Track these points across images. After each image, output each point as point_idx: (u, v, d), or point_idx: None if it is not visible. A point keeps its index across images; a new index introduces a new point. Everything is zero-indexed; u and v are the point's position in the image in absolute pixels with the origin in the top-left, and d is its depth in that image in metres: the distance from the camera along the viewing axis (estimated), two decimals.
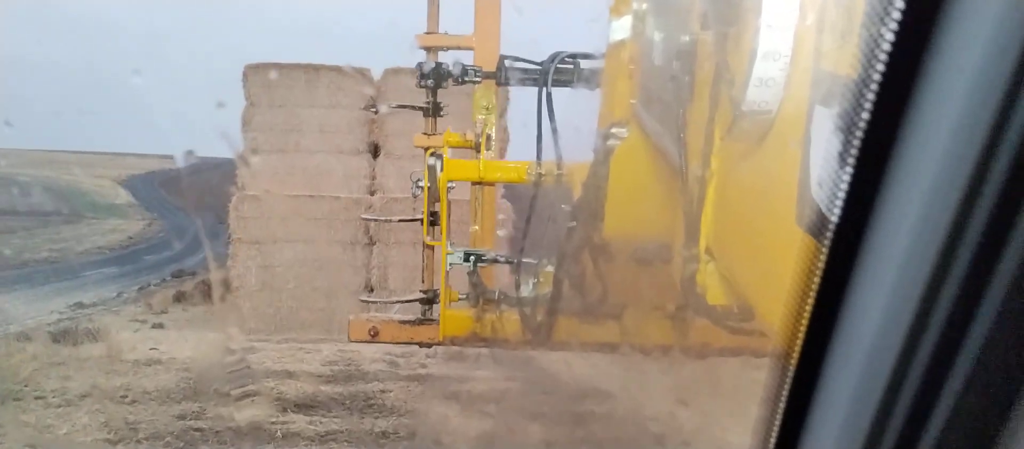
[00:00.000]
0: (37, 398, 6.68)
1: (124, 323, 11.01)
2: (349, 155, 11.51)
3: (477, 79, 3.52)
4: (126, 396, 6.79)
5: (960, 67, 0.68)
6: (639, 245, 2.56)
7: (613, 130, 2.63)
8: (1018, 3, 0.65)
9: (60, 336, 9.02)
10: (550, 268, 3.17)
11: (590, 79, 3.18)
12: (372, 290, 10.84)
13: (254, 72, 11.31)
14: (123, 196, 42.71)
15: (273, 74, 11.29)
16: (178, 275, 16.38)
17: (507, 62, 3.46)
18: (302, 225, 10.84)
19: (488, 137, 3.47)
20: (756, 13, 1.76)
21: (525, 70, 3.49)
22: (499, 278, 3.99)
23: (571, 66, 3.37)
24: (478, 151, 3.46)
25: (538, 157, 3.18)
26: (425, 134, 3.76)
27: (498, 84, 3.56)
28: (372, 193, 11.43)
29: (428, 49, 3.87)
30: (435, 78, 3.51)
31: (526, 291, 3.41)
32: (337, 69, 11.45)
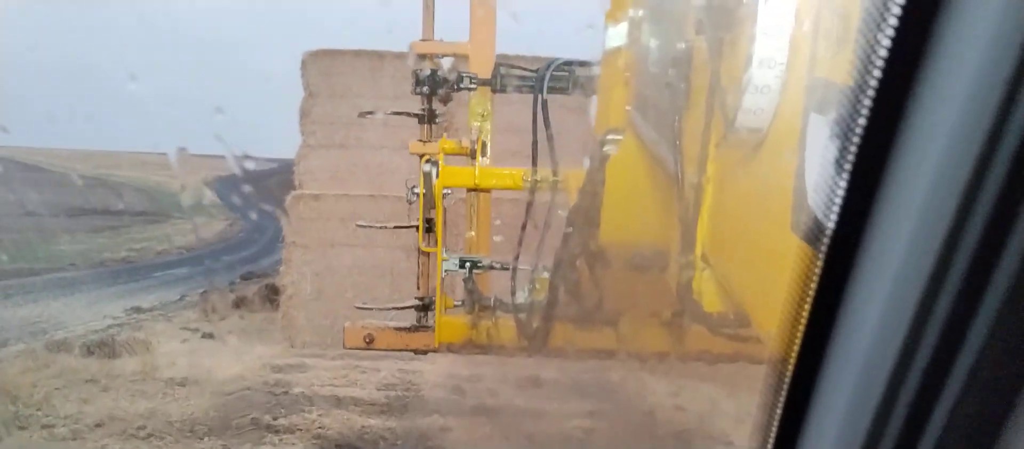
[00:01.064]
0: (45, 427, 5.75)
1: (174, 332, 10.21)
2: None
3: (473, 86, 3.48)
4: (144, 427, 5.77)
5: (957, 70, 0.68)
6: (635, 251, 2.57)
7: (609, 137, 2.60)
8: (1016, 6, 0.65)
9: (96, 347, 8.20)
10: (546, 274, 3.13)
11: (586, 86, 3.09)
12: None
13: (313, 60, 10.33)
14: (209, 196, 43.43)
15: (334, 62, 10.29)
16: (247, 278, 15.75)
17: (502, 69, 3.40)
18: (362, 228, 9.77)
19: (484, 144, 3.42)
20: (751, 20, 1.73)
21: (521, 77, 3.42)
22: (495, 284, 3.85)
23: (567, 73, 3.30)
24: (474, 158, 3.38)
25: (533, 164, 3.15)
26: (421, 141, 3.64)
27: (493, 91, 3.49)
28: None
29: (424, 56, 3.79)
30: (431, 85, 3.47)
31: (522, 297, 3.40)
32: (403, 57, 10.36)
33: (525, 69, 3.39)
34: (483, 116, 3.44)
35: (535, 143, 3.11)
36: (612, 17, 2.74)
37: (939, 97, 0.69)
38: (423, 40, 3.76)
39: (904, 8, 0.68)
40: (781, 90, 1.74)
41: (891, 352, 0.75)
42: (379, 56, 10.39)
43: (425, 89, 3.56)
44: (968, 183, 0.67)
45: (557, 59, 3.28)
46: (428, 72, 3.55)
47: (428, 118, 3.72)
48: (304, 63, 10.31)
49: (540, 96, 3.17)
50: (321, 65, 10.33)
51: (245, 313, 11.80)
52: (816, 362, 0.83)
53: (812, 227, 0.79)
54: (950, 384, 0.73)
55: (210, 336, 9.97)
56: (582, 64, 3.22)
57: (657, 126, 2.33)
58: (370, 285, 9.72)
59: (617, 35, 2.67)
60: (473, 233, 3.97)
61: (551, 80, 3.20)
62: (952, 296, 0.71)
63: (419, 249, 4.05)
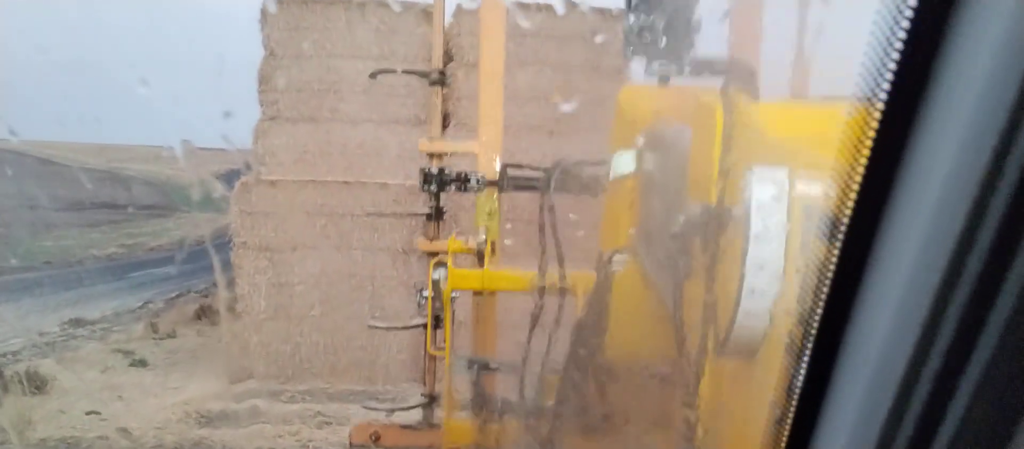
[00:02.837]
0: None
1: (100, 356, 8.02)
2: (406, 125, 8.10)
3: (480, 188, 3.34)
4: None
5: (970, 71, 0.68)
6: (642, 364, 2.59)
7: (615, 257, 2.59)
8: None
9: None
10: (554, 376, 3.01)
11: (593, 187, 2.90)
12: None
13: (277, 9, 8.07)
14: (219, 190, 41.59)
15: (303, 12, 8.03)
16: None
17: (509, 170, 3.25)
18: (335, 224, 7.51)
19: (493, 245, 3.27)
20: (742, 253, 1.67)
21: (528, 178, 3.29)
22: (502, 383, 3.55)
23: (574, 173, 3.13)
24: (481, 260, 3.19)
25: (541, 268, 3.03)
26: (428, 238, 3.56)
27: (500, 191, 3.34)
28: None
29: (432, 155, 3.53)
30: (438, 184, 3.34)
31: (529, 400, 3.26)
32: (386, 6, 8.07)
33: (533, 168, 3.21)
34: (490, 215, 3.22)
35: (543, 248, 2.89)
36: (617, 141, 2.68)
37: (953, 96, 0.69)
38: (430, 139, 3.55)
39: (917, 9, 0.68)
40: (773, 315, 1.72)
41: (904, 353, 0.75)
42: (359, 6, 8.11)
43: (433, 187, 3.35)
44: (982, 182, 0.67)
45: (564, 159, 3.07)
46: (435, 170, 3.33)
47: (435, 216, 3.51)
48: (264, 14, 8.06)
49: (547, 198, 3.01)
50: (286, 17, 8.07)
51: (206, 327, 9.61)
52: (832, 355, 0.83)
53: (826, 226, 0.79)
54: (964, 385, 0.72)
55: (142, 363, 7.78)
56: (591, 163, 3.02)
57: (658, 274, 2.27)
58: (344, 299, 7.46)
59: (624, 162, 2.58)
60: (480, 333, 3.59)
61: (558, 181, 3.03)
62: (966, 296, 0.71)
63: (426, 350, 3.77)
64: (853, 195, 0.75)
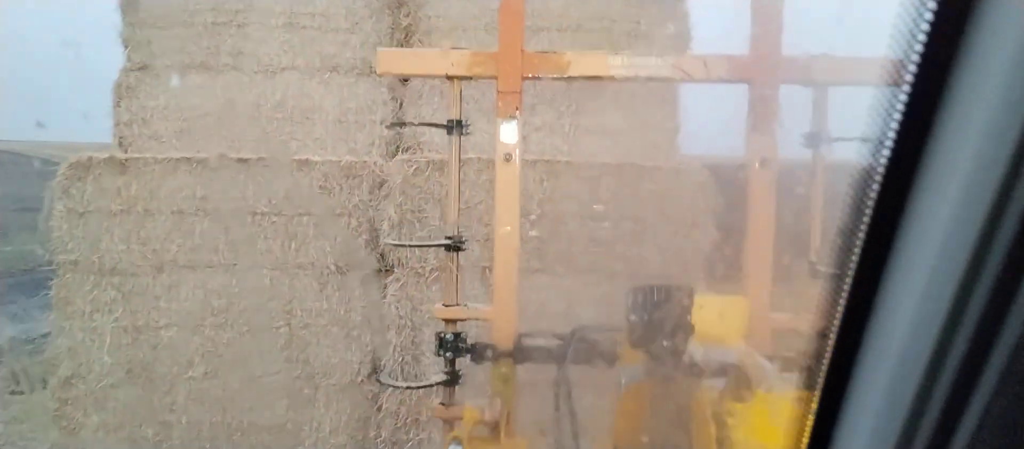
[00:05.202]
0: None
1: None
2: (348, 74, 5.28)
3: (494, 358, 3.12)
4: None
5: (992, 67, 0.68)
6: None
7: None
8: None
9: None
10: None
11: (608, 357, 2.82)
12: (378, 374, 4.55)
13: None
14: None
15: None
16: None
17: (524, 340, 3.05)
18: (226, 229, 4.65)
19: (508, 415, 3.03)
20: None
21: (544, 348, 3.09)
22: None
23: (590, 344, 3.04)
24: (496, 433, 2.90)
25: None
26: (442, 405, 3.18)
27: (515, 362, 3.10)
28: (394, 152, 5.13)
29: (447, 321, 3.12)
30: (454, 350, 3.09)
31: None
32: None
33: (550, 335, 3.04)
34: (505, 380, 2.99)
35: (559, 423, 2.83)
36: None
37: (973, 97, 0.69)
38: (445, 305, 3.03)
39: (937, 11, 0.68)
40: None
41: (924, 355, 0.75)
42: None
43: (448, 354, 3.05)
44: (1002, 182, 0.67)
45: (581, 327, 2.96)
46: (451, 336, 3.04)
47: (451, 382, 3.05)
48: None
49: (563, 372, 2.92)
50: None
51: (11, 399, 6.60)
52: (849, 363, 0.83)
53: (845, 226, 0.79)
54: (982, 386, 0.72)
55: None
56: (608, 331, 2.91)
57: None
58: (244, 348, 4.59)
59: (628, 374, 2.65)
60: None
61: (574, 352, 2.95)
62: (986, 297, 0.70)
63: None
64: (873, 195, 0.76)
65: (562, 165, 4.69)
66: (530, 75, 2.87)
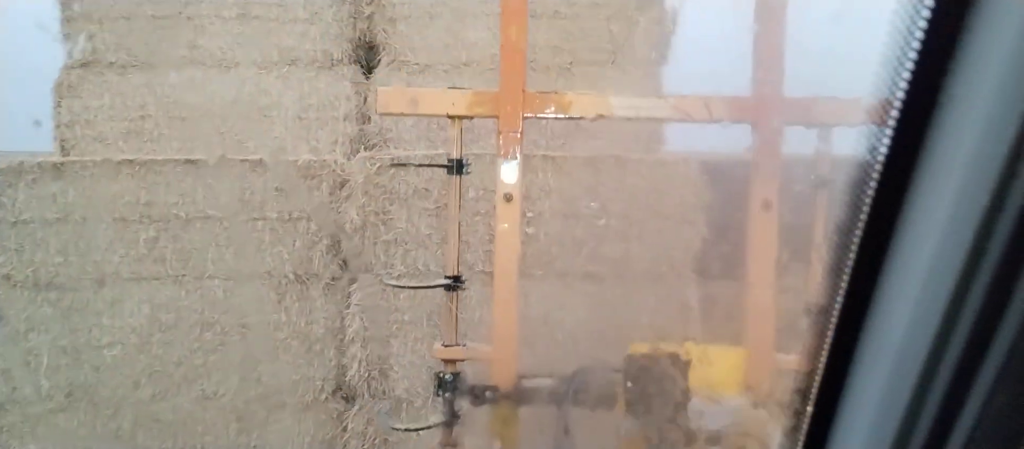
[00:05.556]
0: None
1: None
2: (308, 68, 4.90)
3: (495, 400, 3.15)
4: None
5: (989, 67, 0.68)
6: None
7: None
8: None
9: None
10: None
11: (609, 400, 2.80)
12: (342, 394, 4.18)
13: None
14: None
15: None
16: None
17: (525, 382, 3.04)
18: (174, 237, 4.27)
19: None
20: None
21: (545, 390, 3.09)
22: None
23: (592, 385, 3.04)
24: None
25: None
26: (442, 445, 3.17)
27: (516, 405, 3.12)
28: (358, 150, 4.75)
29: (447, 361, 3.13)
30: (453, 391, 3.10)
31: None
32: None
33: (551, 377, 2.99)
34: (506, 422, 3.00)
35: None
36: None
37: (970, 96, 0.68)
38: (445, 345, 3.00)
39: (934, 9, 0.67)
40: None
41: (921, 352, 0.74)
42: None
43: (448, 395, 3.05)
44: (999, 179, 0.67)
45: (582, 368, 2.95)
46: (450, 376, 3.04)
47: (450, 422, 3.07)
48: None
49: (564, 410, 2.92)
50: None
51: None
52: (848, 356, 0.82)
53: (842, 224, 0.78)
54: (980, 384, 0.71)
55: None
56: (609, 371, 2.88)
57: None
58: (195, 368, 4.20)
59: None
60: None
61: (575, 394, 2.94)
62: (983, 294, 0.70)
63: None
64: (870, 192, 0.75)
65: (539, 160, 4.34)
66: (531, 114, 2.83)
